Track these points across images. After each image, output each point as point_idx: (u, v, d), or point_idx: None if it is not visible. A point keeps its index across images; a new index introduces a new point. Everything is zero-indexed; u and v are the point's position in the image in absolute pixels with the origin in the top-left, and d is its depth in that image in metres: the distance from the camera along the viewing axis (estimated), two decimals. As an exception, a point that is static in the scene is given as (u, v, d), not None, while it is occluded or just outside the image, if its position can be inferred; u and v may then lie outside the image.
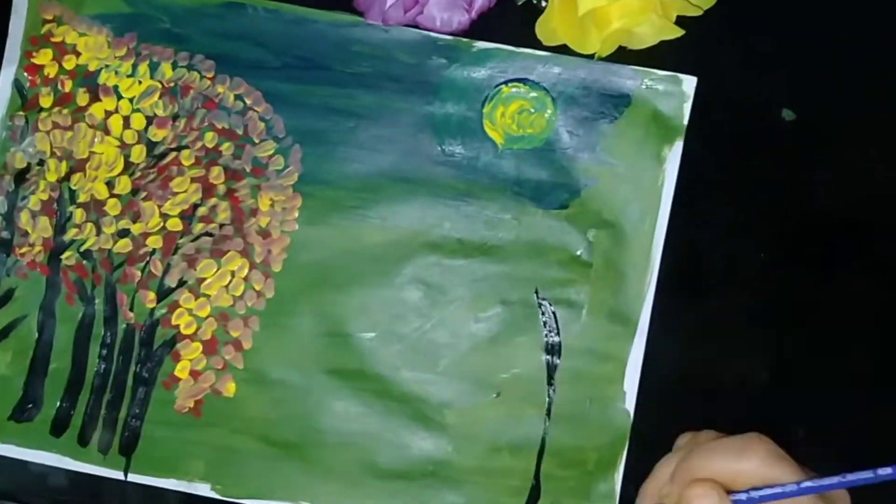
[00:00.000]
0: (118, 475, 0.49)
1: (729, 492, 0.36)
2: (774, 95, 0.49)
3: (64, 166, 0.50)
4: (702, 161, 0.49)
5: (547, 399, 0.48)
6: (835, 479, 0.35)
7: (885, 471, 0.34)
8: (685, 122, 0.49)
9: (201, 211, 0.49)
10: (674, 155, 0.49)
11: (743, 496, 0.36)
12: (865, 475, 0.35)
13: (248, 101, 0.50)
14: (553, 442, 0.48)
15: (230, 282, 0.49)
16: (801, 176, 0.49)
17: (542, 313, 0.49)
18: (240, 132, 0.50)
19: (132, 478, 0.49)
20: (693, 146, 0.49)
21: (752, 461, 0.37)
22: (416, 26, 0.49)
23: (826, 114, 0.49)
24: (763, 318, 0.49)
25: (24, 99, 0.50)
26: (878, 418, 0.49)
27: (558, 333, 0.49)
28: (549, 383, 0.49)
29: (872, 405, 0.49)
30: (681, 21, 0.48)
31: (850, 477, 0.35)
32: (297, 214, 0.49)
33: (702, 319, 0.49)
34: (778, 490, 0.35)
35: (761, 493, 0.36)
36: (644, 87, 0.49)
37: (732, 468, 0.37)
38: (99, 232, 0.50)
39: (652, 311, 0.49)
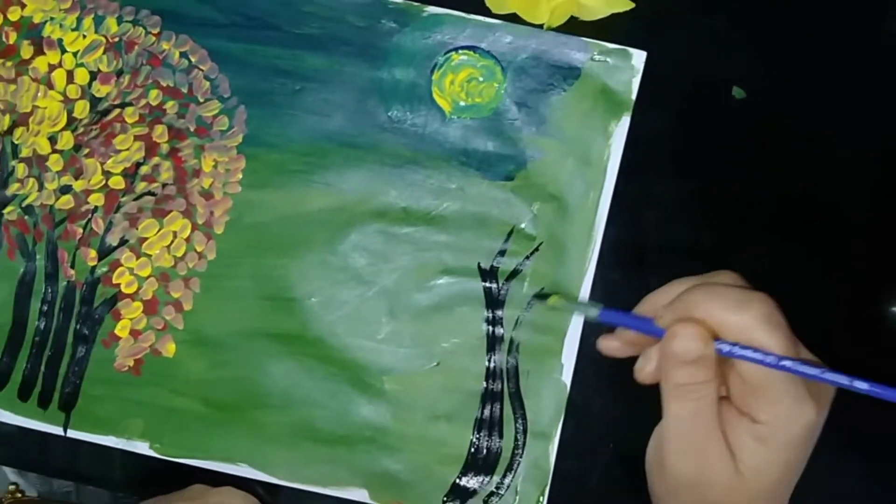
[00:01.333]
0: (58, 430, 0.49)
1: (717, 338, 0.37)
2: (725, 73, 0.49)
3: (7, 120, 0.49)
4: (648, 137, 0.49)
5: (485, 369, 0.49)
6: (814, 370, 0.35)
7: (861, 384, 0.34)
8: (633, 97, 0.49)
9: (144, 170, 0.49)
10: (620, 130, 0.49)
11: (726, 346, 0.36)
12: (842, 379, 0.35)
13: (194, 59, 0.49)
14: (488, 416, 0.49)
15: (172, 242, 0.49)
16: (748, 155, 0.49)
17: (485, 284, 0.49)
18: (184, 91, 0.49)
19: (72, 434, 0.49)
20: (640, 122, 0.49)
21: (746, 316, 0.37)
22: (366, -11, 0.48)
23: (776, 93, 0.49)
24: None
25: (-35, 49, 0.49)
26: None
27: (500, 305, 0.49)
28: (489, 354, 0.49)
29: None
30: (633, -6, 0.47)
31: (828, 376, 0.35)
32: (240, 176, 0.49)
33: (641, 295, 0.49)
34: (759, 355, 0.36)
35: (744, 351, 0.36)
36: (593, 59, 0.49)
37: (726, 317, 0.37)
38: (41, 187, 0.49)
39: (593, 286, 0.49)
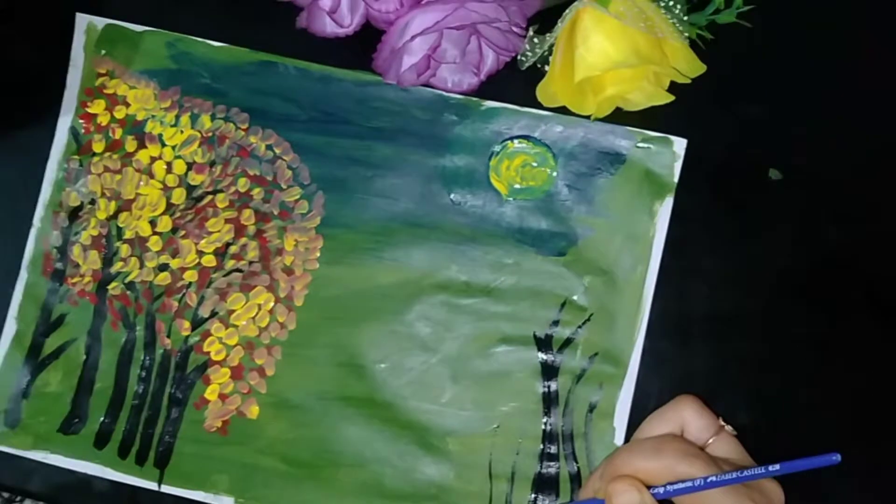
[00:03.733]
0: (153, 486, 0.54)
1: (649, 486, 0.43)
2: (761, 156, 0.53)
3: (113, 206, 0.56)
4: (690, 216, 0.53)
5: (542, 431, 0.52)
6: (733, 475, 0.41)
7: (774, 467, 0.41)
8: (675, 179, 0.53)
9: (233, 249, 0.55)
10: (664, 210, 0.53)
11: (660, 489, 0.42)
12: (758, 471, 0.41)
13: (278, 151, 0.55)
14: (546, 473, 0.52)
15: (257, 314, 0.54)
16: (785, 230, 0.53)
17: (540, 352, 0.53)
18: (269, 178, 0.55)
19: (165, 489, 0.54)
20: (683, 202, 0.53)
21: (664, 459, 0.43)
22: (430, 87, 0.54)
23: (812, 175, 0.53)
24: (747, 364, 0.53)
25: (78, 144, 0.56)
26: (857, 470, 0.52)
27: (555, 372, 0.53)
28: (545, 417, 0.53)
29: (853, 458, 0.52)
30: (673, 86, 0.52)
31: (746, 472, 0.41)
32: (318, 254, 0.54)
33: (687, 363, 0.53)
34: (688, 484, 0.42)
35: (675, 486, 0.42)
36: (637, 146, 0.53)
37: (649, 465, 0.43)
38: (142, 266, 0.55)
39: (642, 354, 0.52)
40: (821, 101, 0.53)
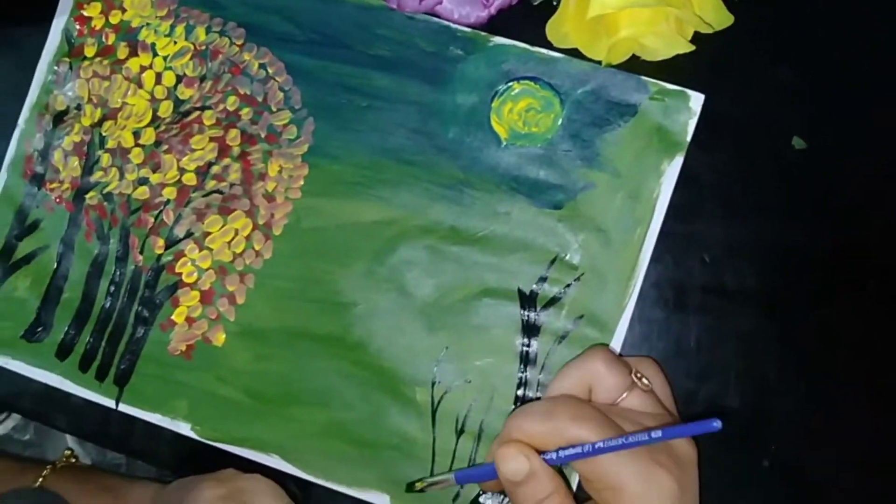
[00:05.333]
0: (110, 403, 0.52)
1: (542, 452, 0.40)
2: (786, 122, 0.49)
3: (98, 113, 0.53)
4: (700, 179, 0.49)
5: (516, 392, 0.50)
6: (618, 441, 0.38)
7: (657, 433, 0.37)
8: (688, 138, 0.49)
9: (215, 169, 0.52)
10: (673, 170, 0.49)
11: (553, 455, 0.40)
12: (642, 437, 0.37)
13: (271, 71, 0.52)
14: (515, 434, 0.49)
15: (233, 239, 0.52)
16: (802, 207, 0.49)
17: (523, 309, 0.50)
18: (260, 99, 0.52)
19: (123, 408, 0.52)
20: (693, 163, 0.49)
21: (555, 421, 0.40)
22: (436, 17, 0.50)
23: (839, 147, 0.49)
24: (742, 343, 0.49)
25: (70, 46, 0.54)
26: (851, 453, 0.48)
27: (536, 331, 0.50)
28: (520, 377, 0.50)
29: (847, 439, 0.48)
30: (697, 38, 0.48)
31: (631, 438, 0.38)
32: (302, 183, 0.52)
33: (678, 336, 0.49)
34: (578, 450, 0.39)
35: (566, 452, 0.39)
36: (651, 98, 0.49)
37: (539, 429, 0.40)
38: (121, 177, 0.53)
39: (630, 322, 0.49)
40: (856, 69, 0.49)
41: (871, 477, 0.48)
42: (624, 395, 0.42)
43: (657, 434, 0.37)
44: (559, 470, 0.42)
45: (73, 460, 0.55)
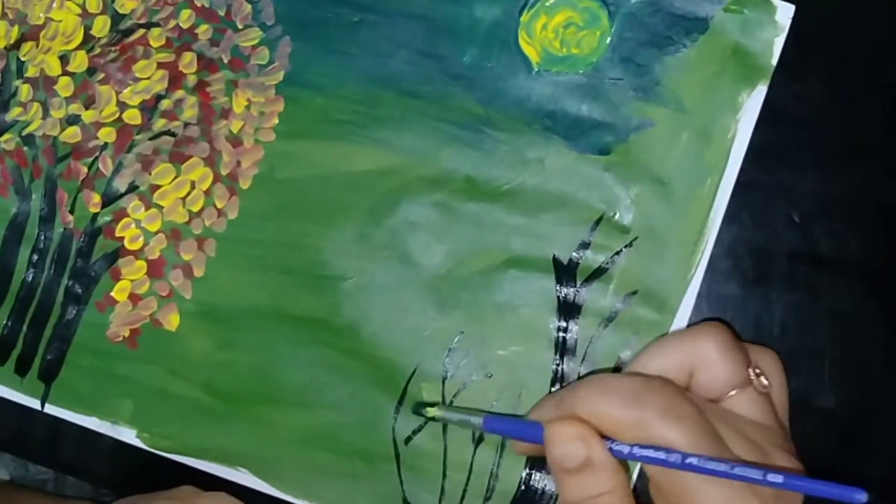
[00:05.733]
0: (35, 403, 0.42)
1: (611, 439, 0.32)
2: (898, 42, 0.39)
3: (15, 31, 0.42)
4: (789, 115, 0.39)
5: (550, 389, 0.39)
6: (722, 466, 0.29)
7: (776, 477, 0.28)
8: (774, 62, 0.39)
9: (165, 104, 0.41)
10: (753, 103, 0.39)
11: (626, 448, 0.32)
12: (754, 474, 0.29)
13: (236, -23, 0.41)
14: (550, 441, 0.39)
15: (189, 194, 0.41)
16: (918, 151, 0.39)
17: (558, 284, 0.39)
18: (221, 13, 0.42)
19: (50, 409, 0.42)
20: (781, 95, 0.39)
21: (641, 410, 0.31)
22: None
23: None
24: (840, 326, 0.39)
25: (-22, -54, 0.43)
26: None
27: (576, 312, 0.39)
28: (555, 371, 0.39)
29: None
30: (789, -71, 0.37)
31: (737, 470, 0.29)
32: (276, 122, 0.41)
33: (759, 316, 0.39)
34: (661, 455, 0.31)
35: (645, 452, 0.31)
36: (727, 10, 0.39)
37: (618, 414, 0.32)
38: (46, 115, 0.42)
39: (697, 299, 0.39)
40: None
41: None
42: (733, 392, 0.34)
43: (776, 479, 0.28)
44: (623, 461, 0.33)
45: None
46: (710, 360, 0.34)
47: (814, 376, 0.39)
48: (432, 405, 0.39)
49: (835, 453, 0.39)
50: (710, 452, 0.31)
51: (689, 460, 0.30)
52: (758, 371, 0.34)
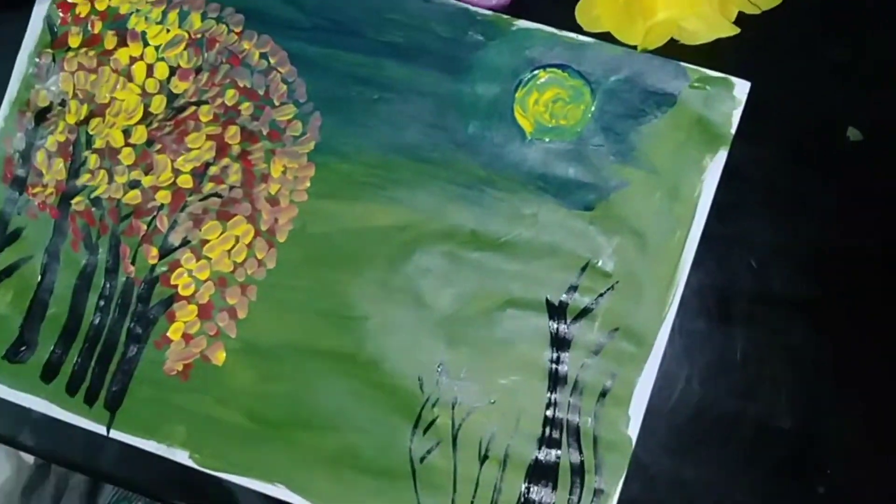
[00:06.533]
0: (101, 430, 0.48)
1: None
2: (841, 112, 0.44)
3: (84, 109, 0.49)
4: (747, 176, 0.45)
5: (545, 413, 0.45)
6: None
7: None
8: (733, 130, 0.45)
9: (213, 170, 0.48)
10: (716, 165, 0.45)
11: None
12: None
13: (273, 61, 0.48)
14: (545, 460, 0.45)
15: (233, 247, 0.48)
16: (860, 204, 0.44)
17: (552, 321, 0.45)
18: (261, 93, 0.48)
19: (114, 434, 0.48)
20: (739, 158, 0.45)
21: None
22: (454, -1, 0.46)
23: (899, 138, 0.44)
24: (793, 357, 0.44)
25: (53, 36, 0.50)
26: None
27: (567, 345, 0.45)
28: (549, 397, 0.45)
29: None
30: (741, 20, 0.43)
31: None
32: (308, 185, 0.47)
33: (723, 350, 0.45)
34: None
35: None
36: (692, 87, 0.45)
37: None
38: (111, 180, 0.49)
39: (670, 334, 0.45)
40: (920, 51, 0.44)
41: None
42: None
43: None
44: None
45: None
46: None
47: (771, 401, 0.44)
48: None
49: (791, 467, 0.44)
50: None
51: None
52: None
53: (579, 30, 0.45)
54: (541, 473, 0.45)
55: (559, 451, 0.45)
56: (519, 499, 0.45)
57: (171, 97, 0.49)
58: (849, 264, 0.44)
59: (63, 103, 0.49)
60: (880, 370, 0.44)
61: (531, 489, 0.45)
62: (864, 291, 0.44)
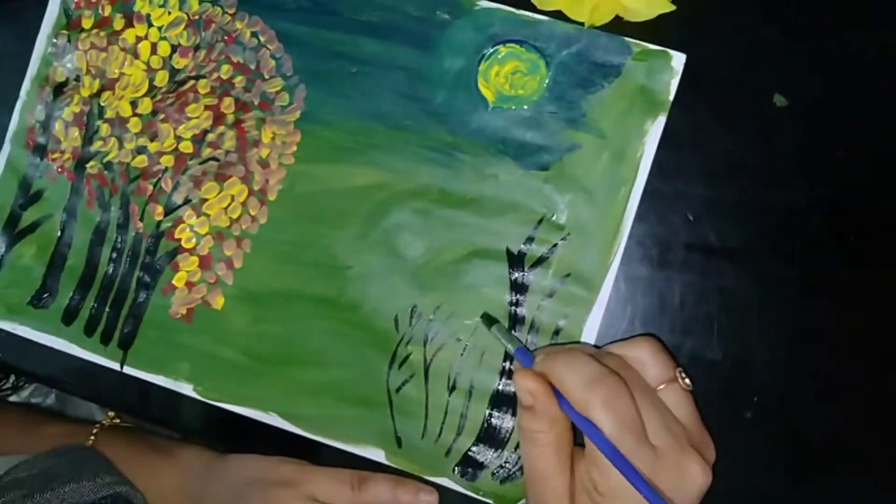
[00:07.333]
0: (115, 366, 0.54)
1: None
2: (766, 80, 0.50)
3: (96, 84, 0.55)
4: (683, 139, 0.50)
5: (504, 349, 0.51)
6: (621, 461, 0.39)
7: (657, 498, 0.38)
8: (671, 97, 0.50)
9: (210, 137, 0.54)
10: (656, 129, 0.50)
11: (570, 411, 0.41)
12: (642, 486, 0.39)
13: (263, 39, 0.53)
14: (505, 391, 0.51)
15: (229, 204, 0.53)
16: (784, 164, 0.49)
17: (511, 269, 0.51)
18: (252, 67, 0.54)
19: (127, 370, 0.54)
20: (676, 123, 0.50)
21: (591, 395, 0.40)
22: (423, -18, 0.51)
23: (821, 104, 0.49)
24: (724, 299, 0.50)
25: (68, 19, 0.55)
26: (825, 412, 0.49)
27: (524, 289, 0.51)
28: (508, 335, 0.51)
29: (824, 395, 0.49)
30: (678, -2, 0.48)
31: (632, 477, 0.39)
32: (295, 149, 0.53)
33: (662, 293, 0.50)
34: (588, 430, 0.40)
35: (580, 421, 0.40)
36: (634, 59, 0.50)
37: (573, 390, 0.41)
38: (121, 146, 0.54)
39: (615, 279, 0.50)
40: (839, 23, 0.49)
41: (851, 423, 0.49)
42: (662, 386, 0.43)
43: (646, 493, 0.38)
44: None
45: (117, 421, 0.58)
46: (643, 362, 0.43)
47: (704, 337, 0.50)
48: (496, 322, 0.49)
49: (721, 394, 0.49)
50: (629, 444, 0.39)
51: (602, 446, 0.39)
52: (683, 375, 0.43)
53: (534, 9, 0.50)
54: (502, 402, 0.51)
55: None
56: (483, 423, 0.51)
57: (173, 72, 0.54)
58: (774, 216, 0.49)
59: (78, 79, 0.55)
60: (800, 307, 0.49)
61: (493, 415, 0.51)
62: (787, 240, 0.49)
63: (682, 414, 0.43)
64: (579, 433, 0.42)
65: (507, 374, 0.51)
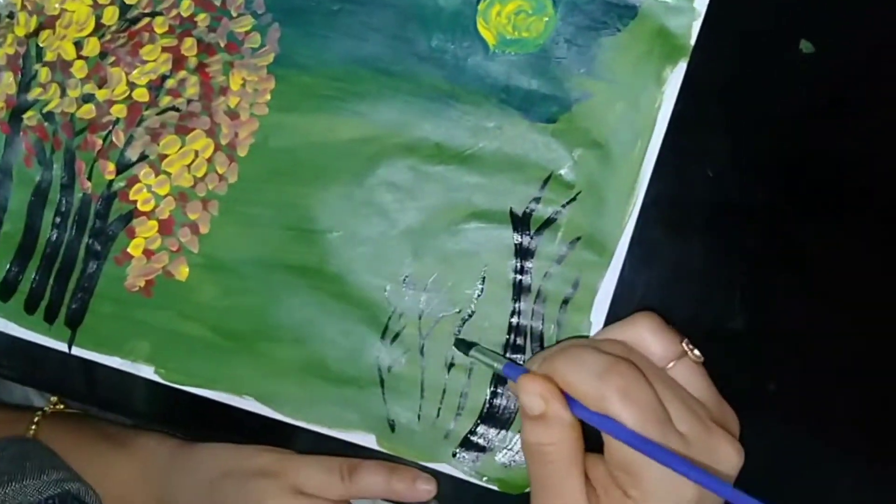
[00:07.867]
0: (62, 346, 0.48)
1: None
2: (794, 25, 0.45)
3: (34, 21, 0.47)
4: (705, 87, 0.45)
5: (509, 321, 0.46)
6: (657, 450, 0.34)
7: (699, 475, 0.33)
8: (692, 42, 0.45)
9: (170, 83, 0.47)
10: (675, 77, 0.45)
11: (587, 413, 0.36)
12: (682, 466, 0.34)
13: (230, -29, 0.47)
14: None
15: (193, 161, 0.47)
16: (811, 114, 0.46)
17: (515, 232, 0.46)
18: (217, 3, 0.47)
19: (76, 351, 0.48)
20: (698, 70, 0.45)
21: (605, 389, 0.36)
22: None
23: (848, 51, 0.46)
24: (748, 262, 0.46)
25: (-4, -56, 0.48)
26: (851, 379, 0.46)
27: (530, 255, 0.46)
28: (514, 306, 0.46)
29: (850, 366, 0.46)
30: (702, -70, 0.44)
31: (670, 460, 0.34)
32: (268, 98, 0.47)
33: (681, 256, 0.46)
34: (611, 428, 0.35)
35: (600, 421, 0.36)
36: (653, -1, 0.45)
37: (584, 387, 0.36)
38: (63, 94, 0.47)
39: (630, 242, 0.46)
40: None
41: (882, 395, 0.46)
42: (671, 364, 0.39)
43: (698, 475, 0.33)
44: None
45: (61, 407, 0.51)
46: (645, 342, 0.39)
47: (726, 304, 0.46)
48: (473, 345, 0.45)
49: (744, 366, 0.46)
50: (656, 435, 0.35)
51: (633, 440, 0.35)
52: (691, 346, 0.39)
53: (542, -60, 0.45)
54: (506, 379, 0.46)
55: (523, 358, 0.46)
56: (484, 404, 0.46)
57: (124, 8, 0.47)
58: (800, 171, 0.46)
59: (11, 15, 0.47)
60: (831, 269, 0.46)
61: (496, 394, 0.46)
62: (814, 196, 0.46)
63: (697, 389, 0.39)
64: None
65: (512, 347, 0.46)
